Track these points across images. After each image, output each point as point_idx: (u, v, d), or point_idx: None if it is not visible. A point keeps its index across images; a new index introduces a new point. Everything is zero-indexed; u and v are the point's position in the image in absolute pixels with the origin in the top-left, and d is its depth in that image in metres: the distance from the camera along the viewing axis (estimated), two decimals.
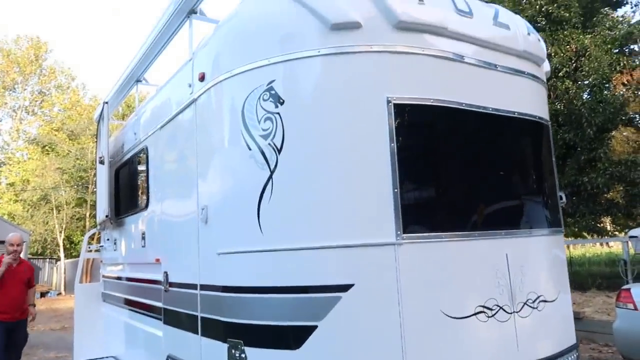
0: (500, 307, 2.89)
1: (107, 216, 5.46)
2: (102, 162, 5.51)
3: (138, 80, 5.42)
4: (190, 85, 3.59)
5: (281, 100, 2.89)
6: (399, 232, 2.69)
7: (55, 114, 35.71)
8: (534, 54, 3.58)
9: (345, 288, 2.63)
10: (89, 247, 6.63)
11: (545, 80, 3.85)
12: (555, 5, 12.86)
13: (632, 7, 16.64)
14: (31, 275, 6.19)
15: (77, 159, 30.00)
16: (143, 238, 4.65)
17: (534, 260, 3.16)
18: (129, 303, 5.17)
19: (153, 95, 4.72)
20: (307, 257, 2.73)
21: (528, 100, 3.53)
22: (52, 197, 28.94)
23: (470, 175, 3.07)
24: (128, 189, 5.40)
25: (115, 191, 5.79)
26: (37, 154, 31.84)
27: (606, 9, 16.18)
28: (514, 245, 3.06)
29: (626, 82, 17.64)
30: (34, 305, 6.23)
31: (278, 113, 2.89)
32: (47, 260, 31.14)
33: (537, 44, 3.66)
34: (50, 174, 28.99)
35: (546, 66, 3.89)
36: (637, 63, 16.98)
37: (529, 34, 3.60)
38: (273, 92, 2.92)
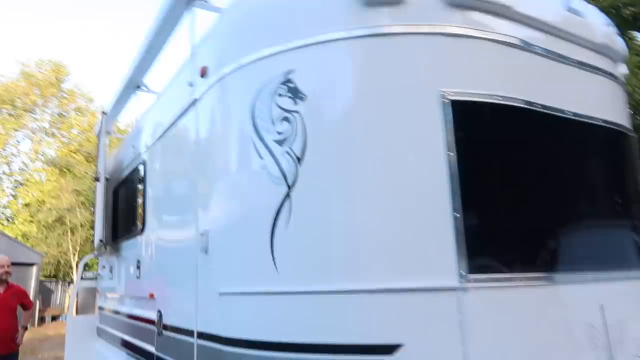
0: None
1: (100, 240, 4.82)
2: (97, 180, 4.90)
3: (138, 87, 4.83)
4: (190, 85, 2.97)
5: (301, 96, 2.23)
6: (463, 273, 1.97)
7: (73, 135, 35.81)
8: (613, 49, 2.88)
9: (389, 349, 1.90)
10: (85, 275, 5.98)
11: (625, 84, 3.13)
12: None
13: None
14: (23, 300, 5.54)
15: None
16: (138, 267, 3.98)
17: (635, 312, 2.39)
18: (123, 342, 4.48)
19: (153, 103, 4.12)
20: (337, 305, 2.02)
21: (610, 105, 2.81)
22: (67, 219, 28.65)
23: (550, 196, 2.34)
24: (125, 210, 4.76)
25: (113, 212, 5.16)
26: (55, 176, 31.75)
27: (634, 32, 15.39)
28: (610, 291, 2.31)
29: None
30: (25, 328, 5.54)
31: (298, 112, 2.23)
32: (60, 282, 30.74)
33: (615, 38, 2.96)
34: (66, 196, 28.75)
35: (623, 67, 3.17)
36: None
37: (606, 25, 2.91)
38: (292, 85, 2.26)
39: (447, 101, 2.13)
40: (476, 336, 1.89)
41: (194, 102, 2.89)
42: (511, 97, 2.26)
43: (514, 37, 2.40)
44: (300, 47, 2.28)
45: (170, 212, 3.34)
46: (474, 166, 2.11)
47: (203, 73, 2.76)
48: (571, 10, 2.75)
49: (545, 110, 2.37)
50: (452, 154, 2.07)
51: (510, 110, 2.26)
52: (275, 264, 2.17)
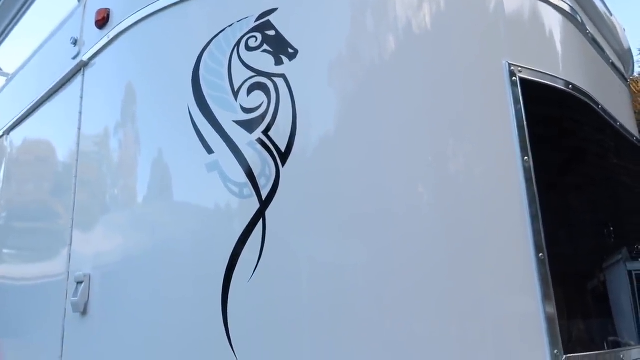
0: None
1: None
2: None
3: None
4: (75, 43, 1.89)
5: (290, 51, 1.32)
6: (557, 352, 1.18)
7: None
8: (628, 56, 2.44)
9: None
10: None
11: None
12: None
13: None
14: None
15: None
16: None
17: None
18: None
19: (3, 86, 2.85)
20: None
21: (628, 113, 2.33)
22: None
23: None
24: None
25: None
26: None
27: None
28: None
29: None
30: None
31: (282, 75, 1.31)
32: None
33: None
34: None
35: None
36: None
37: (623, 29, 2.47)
38: (271, 32, 1.35)
39: (516, 79, 1.38)
40: None
41: (79, 69, 1.81)
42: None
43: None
44: None
45: (12, 241, 2.13)
46: (562, 177, 1.37)
47: (102, 20, 1.71)
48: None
49: (605, 116, 1.74)
50: (527, 158, 1.31)
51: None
52: (231, 344, 1.18)
